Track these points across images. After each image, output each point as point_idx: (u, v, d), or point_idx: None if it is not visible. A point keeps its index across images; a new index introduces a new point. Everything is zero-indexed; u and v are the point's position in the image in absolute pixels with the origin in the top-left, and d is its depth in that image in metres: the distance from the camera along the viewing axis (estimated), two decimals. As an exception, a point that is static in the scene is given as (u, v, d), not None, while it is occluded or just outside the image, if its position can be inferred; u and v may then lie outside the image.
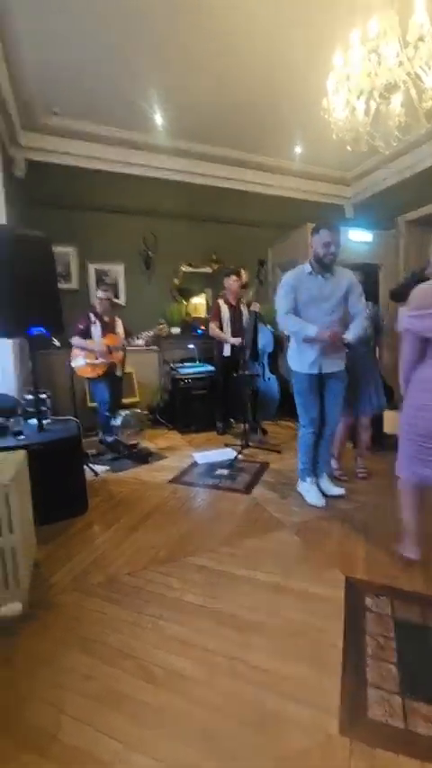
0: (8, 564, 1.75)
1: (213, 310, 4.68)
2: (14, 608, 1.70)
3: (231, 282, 4.63)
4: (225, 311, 4.63)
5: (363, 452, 3.37)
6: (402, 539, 2.12)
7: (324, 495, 2.90)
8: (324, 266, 2.67)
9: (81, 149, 4.81)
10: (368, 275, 3.58)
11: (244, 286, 4.15)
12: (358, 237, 5.38)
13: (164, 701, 1.35)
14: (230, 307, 4.64)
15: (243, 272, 4.83)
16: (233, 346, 4.54)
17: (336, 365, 2.79)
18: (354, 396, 3.12)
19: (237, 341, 4.49)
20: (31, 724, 1.29)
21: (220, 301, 4.67)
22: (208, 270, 5.69)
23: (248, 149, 5.23)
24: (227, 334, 4.58)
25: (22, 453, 2.12)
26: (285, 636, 1.62)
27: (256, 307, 4.25)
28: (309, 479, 2.94)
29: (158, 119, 4.35)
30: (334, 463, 3.32)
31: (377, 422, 4.06)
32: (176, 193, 5.42)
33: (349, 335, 2.66)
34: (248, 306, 4.37)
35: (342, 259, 5.85)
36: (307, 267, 2.74)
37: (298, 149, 5.13)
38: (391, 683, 1.39)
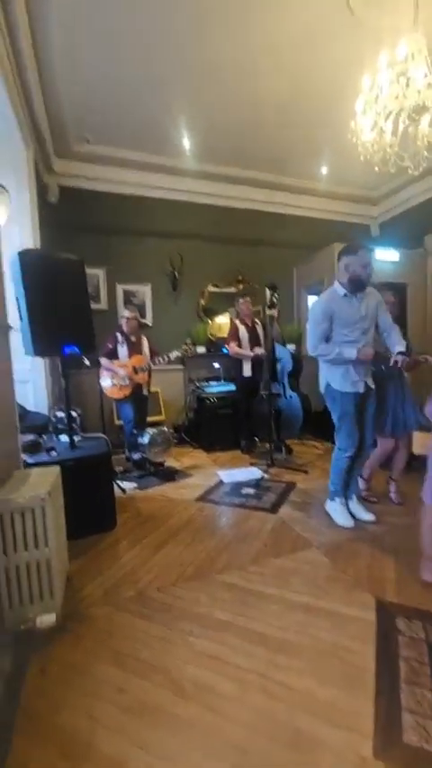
0: (43, 576, 1.82)
1: (231, 331, 4.81)
2: (49, 619, 1.77)
3: (241, 306, 4.86)
4: (243, 331, 4.78)
5: (398, 475, 3.32)
6: (424, 563, 2.12)
7: (353, 517, 2.86)
8: (359, 287, 2.66)
9: (111, 174, 5.05)
10: (395, 295, 3.60)
11: (271, 305, 4.24)
12: (385, 257, 5.41)
13: (195, 716, 1.38)
14: (247, 327, 4.79)
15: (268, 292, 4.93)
16: (253, 366, 4.68)
17: (371, 382, 2.81)
18: (390, 415, 3.12)
19: (260, 350, 4.67)
20: (67, 731, 1.34)
21: (237, 321, 4.83)
22: (233, 290, 5.85)
23: (275, 171, 5.37)
24: (246, 350, 4.74)
25: (56, 469, 2.20)
26: (316, 656, 1.62)
27: (274, 312, 4.35)
28: (338, 500, 2.92)
29: (186, 143, 4.55)
30: (362, 484, 3.30)
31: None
32: (203, 215, 5.60)
33: (400, 347, 2.68)
34: (270, 322, 4.52)
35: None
36: (340, 290, 2.70)
37: (324, 170, 5.26)
38: (426, 708, 1.38)
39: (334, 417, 2.81)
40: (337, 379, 2.74)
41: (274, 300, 4.21)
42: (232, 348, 4.72)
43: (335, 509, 2.90)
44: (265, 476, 3.92)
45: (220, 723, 1.35)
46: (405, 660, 1.58)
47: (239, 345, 4.72)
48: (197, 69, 3.41)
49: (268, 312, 4.35)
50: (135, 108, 3.93)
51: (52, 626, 1.79)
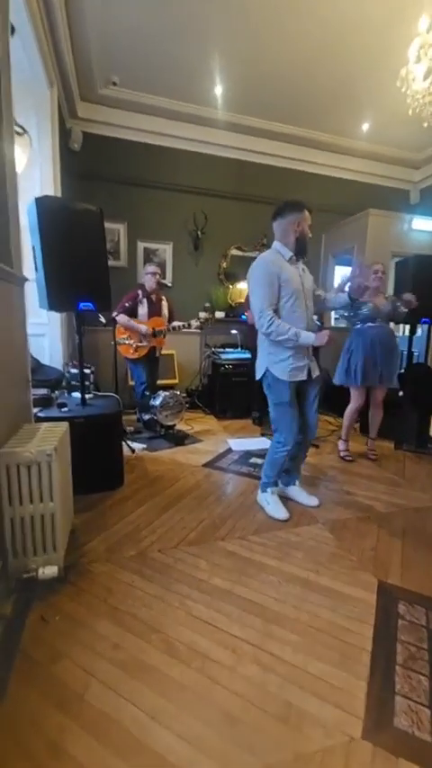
0: (47, 530, 1.86)
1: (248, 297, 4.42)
2: (51, 571, 1.81)
3: None
4: None
5: (374, 433, 3.55)
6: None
7: (289, 502, 2.73)
8: (304, 251, 2.37)
9: (136, 122, 4.83)
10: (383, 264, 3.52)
11: None
12: (424, 226, 5.06)
13: (188, 679, 1.40)
14: None
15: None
16: None
17: (315, 368, 2.52)
18: (378, 368, 3.35)
19: None
20: (62, 682, 1.38)
21: None
22: (256, 254, 5.53)
23: (311, 126, 5.08)
24: None
25: (65, 425, 2.20)
26: (312, 632, 1.63)
27: None
28: (269, 490, 2.67)
29: (218, 90, 4.24)
30: (342, 444, 3.52)
31: (424, 421, 3.91)
32: (230, 172, 5.36)
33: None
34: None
35: (403, 250, 5.60)
36: (285, 251, 2.35)
37: (365, 127, 4.88)
38: (420, 694, 1.38)
39: (270, 405, 2.50)
40: (276, 365, 2.40)
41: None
42: (250, 316, 4.42)
43: (267, 500, 2.64)
44: None
45: (211, 689, 1.37)
46: (403, 644, 1.57)
47: None
48: (234, 12, 3.12)
49: None
50: (165, 49, 3.70)
51: (54, 577, 1.84)
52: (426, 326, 3.96)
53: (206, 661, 1.48)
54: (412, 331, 3.97)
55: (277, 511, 2.56)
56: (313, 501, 2.71)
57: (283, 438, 2.49)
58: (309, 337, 2.31)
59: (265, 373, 2.45)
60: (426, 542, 2.28)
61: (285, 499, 2.73)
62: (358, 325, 3.43)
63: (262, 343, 2.47)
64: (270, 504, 2.62)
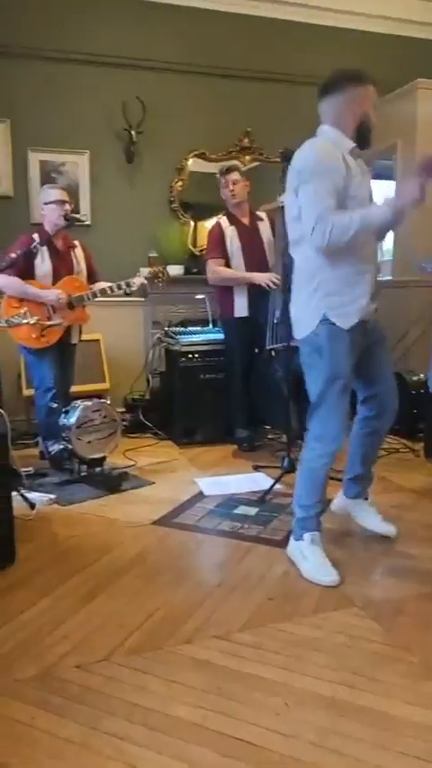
0: None
1: (211, 239, 3.80)
2: None
3: (228, 186, 3.59)
4: (232, 235, 3.68)
5: None
6: None
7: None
8: (367, 143, 2.08)
9: None
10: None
11: None
12: None
13: None
14: (240, 226, 3.72)
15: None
16: (251, 298, 3.56)
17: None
18: None
19: (263, 278, 3.47)
20: None
21: (222, 220, 3.78)
22: (235, 165, 4.47)
23: None
24: (239, 270, 3.74)
25: None
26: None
27: (262, 212, 3.62)
28: (308, 537, 2.13)
29: None
30: None
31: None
32: (182, 28, 4.19)
33: None
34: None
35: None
36: (345, 141, 2.05)
37: None
38: None
39: (313, 389, 2.08)
40: (341, 311, 1.99)
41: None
42: (215, 271, 3.73)
43: (304, 553, 2.13)
44: (278, 487, 3.08)
45: None
46: None
47: (227, 264, 3.71)
48: None
49: (281, 199, 3.43)
50: None
51: None
52: None
53: None
54: None
55: (322, 570, 2.05)
56: (390, 529, 2.33)
57: (328, 443, 2.03)
58: (382, 211, 1.88)
59: (314, 331, 2.02)
60: None
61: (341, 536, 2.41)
62: None
63: (308, 283, 2.04)
64: (309, 558, 2.09)
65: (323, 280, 1.96)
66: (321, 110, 2.06)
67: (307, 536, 2.09)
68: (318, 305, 1.97)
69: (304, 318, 2.05)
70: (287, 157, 3.08)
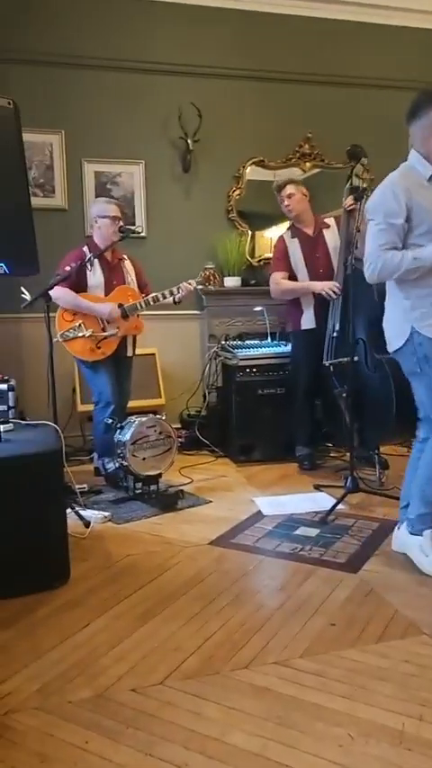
0: None
1: (275, 253, 3.78)
2: None
3: (288, 199, 3.50)
4: (294, 248, 3.63)
5: None
6: None
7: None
8: None
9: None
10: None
11: (354, 191, 2.99)
12: None
13: None
14: (303, 237, 3.67)
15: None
16: (318, 311, 3.48)
17: None
18: None
19: (323, 286, 3.32)
20: None
21: (285, 234, 3.76)
22: (295, 172, 4.42)
23: None
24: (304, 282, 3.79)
25: None
26: None
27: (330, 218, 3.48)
28: (429, 533, 2.23)
29: None
30: None
31: None
32: (238, 32, 4.15)
33: None
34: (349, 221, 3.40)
35: None
36: (425, 166, 2.14)
37: None
38: None
39: (421, 393, 2.19)
40: (427, 324, 2.19)
41: (361, 181, 3.13)
42: (278, 283, 3.68)
43: (425, 550, 2.20)
44: (340, 507, 2.98)
45: None
46: None
47: (291, 277, 3.68)
48: None
49: (346, 203, 3.24)
50: None
51: None
52: None
53: None
54: None
55: None
56: None
57: None
58: None
59: (409, 338, 2.14)
60: None
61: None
62: None
63: (394, 297, 2.26)
64: (431, 555, 2.21)
65: (412, 296, 2.07)
66: (411, 133, 2.13)
67: (427, 532, 2.17)
68: (407, 317, 2.11)
69: (398, 333, 2.13)
70: (355, 156, 2.93)
